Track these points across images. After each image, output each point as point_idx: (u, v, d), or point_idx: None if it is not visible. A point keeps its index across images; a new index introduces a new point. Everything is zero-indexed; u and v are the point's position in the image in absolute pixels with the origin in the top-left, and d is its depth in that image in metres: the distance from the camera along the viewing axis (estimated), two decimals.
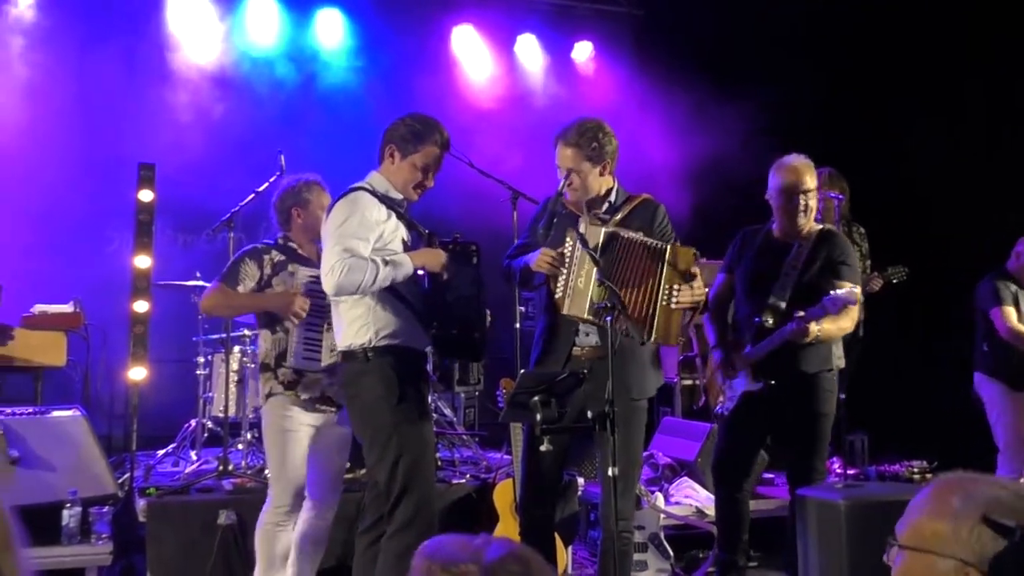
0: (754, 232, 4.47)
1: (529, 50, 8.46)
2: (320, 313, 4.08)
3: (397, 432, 3.49)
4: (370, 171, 3.76)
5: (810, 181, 4.24)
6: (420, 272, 3.56)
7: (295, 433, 4.07)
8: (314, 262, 4.21)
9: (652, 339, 3.58)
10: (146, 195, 5.34)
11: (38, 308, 5.77)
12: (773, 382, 4.20)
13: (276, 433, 4.09)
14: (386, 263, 3.46)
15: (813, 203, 4.28)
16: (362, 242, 3.47)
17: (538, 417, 3.22)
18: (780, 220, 4.33)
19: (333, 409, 4.15)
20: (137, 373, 5.26)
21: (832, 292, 3.96)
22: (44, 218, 6.59)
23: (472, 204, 6.26)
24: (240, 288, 4.15)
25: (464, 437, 6.48)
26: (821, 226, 4.43)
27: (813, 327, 4.01)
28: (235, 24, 7.63)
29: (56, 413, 5.09)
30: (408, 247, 3.67)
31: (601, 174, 3.80)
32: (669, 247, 3.60)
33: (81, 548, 4.47)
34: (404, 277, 3.51)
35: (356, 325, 3.56)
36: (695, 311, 3.67)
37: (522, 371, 3.33)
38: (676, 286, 3.55)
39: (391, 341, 3.55)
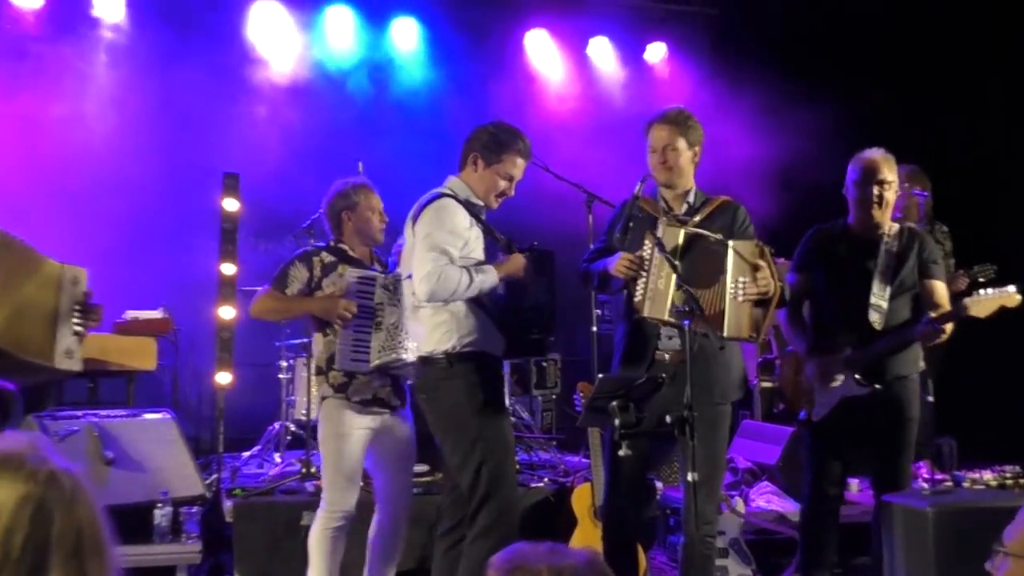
0: (827, 231, 4.34)
1: (602, 53, 8.44)
2: (368, 314, 4.06)
3: (481, 438, 3.52)
4: (448, 176, 3.80)
5: (888, 173, 4.12)
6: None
7: (349, 436, 4.04)
8: (365, 263, 4.25)
9: (725, 335, 3.56)
10: (231, 204, 5.49)
11: (130, 314, 5.96)
12: (878, 386, 4.04)
13: (330, 437, 4.07)
14: (476, 273, 3.49)
15: (890, 196, 4.14)
16: (453, 249, 3.51)
17: (616, 422, 3.22)
18: (856, 213, 4.20)
19: (387, 411, 4.13)
20: (223, 377, 5.41)
21: (983, 292, 3.87)
22: (134, 227, 6.79)
23: (547, 207, 6.28)
24: (288, 291, 4.14)
25: (542, 441, 6.51)
26: (903, 224, 4.33)
27: (949, 329, 3.91)
28: (313, 35, 7.78)
29: (147, 416, 5.25)
30: (486, 253, 3.70)
31: (691, 160, 3.83)
32: (732, 241, 3.60)
33: (172, 547, 4.60)
34: (490, 289, 3.55)
35: (440, 331, 3.59)
36: (768, 305, 3.62)
37: (600, 375, 3.33)
38: (742, 279, 3.54)
39: (473, 347, 3.58)
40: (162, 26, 7.14)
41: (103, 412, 5.07)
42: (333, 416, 4.06)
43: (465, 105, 7.45)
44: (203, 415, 7.03)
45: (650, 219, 3.76)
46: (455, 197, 3.63)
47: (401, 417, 4.20)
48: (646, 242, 3.66)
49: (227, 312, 5.45)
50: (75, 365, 3.25)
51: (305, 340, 5.75)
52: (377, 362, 4.02)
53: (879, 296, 4.07)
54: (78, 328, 3.25)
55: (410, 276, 3.60)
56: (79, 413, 4.97)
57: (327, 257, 4.19)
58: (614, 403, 3.23)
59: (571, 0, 8.24)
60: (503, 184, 3.71)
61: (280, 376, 6.14)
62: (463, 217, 3.59)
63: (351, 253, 4.24)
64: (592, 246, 4.18)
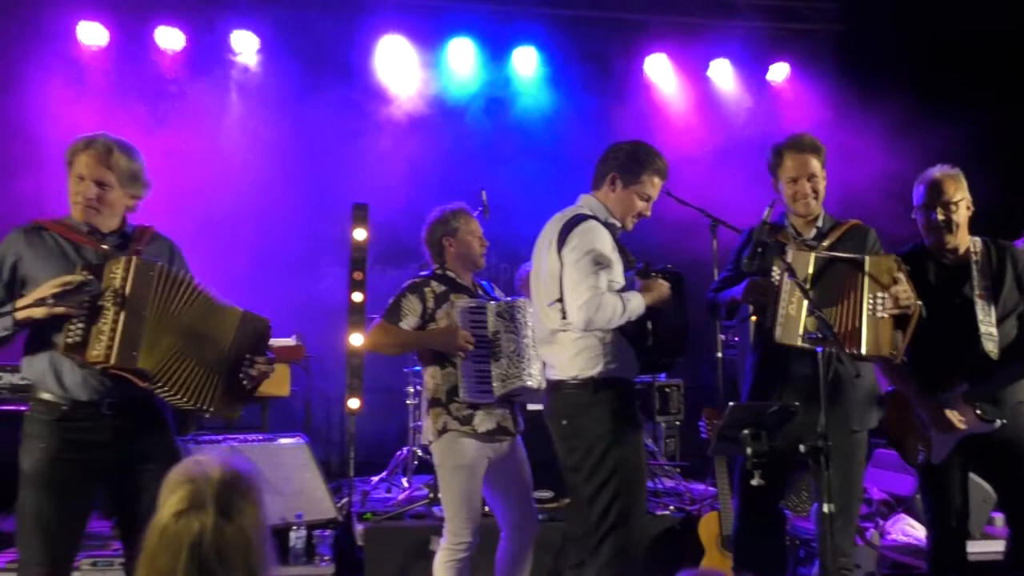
0: (910, 256, 3.90)
1: (723, 75, 8.35)
2: (485, 344, 4.04)
3: (618, 469, 3.43)
4: (580, 195, 3.73)
5: (954, 192, 3.79)
6: None
7: (471, 468, 4.01)
8: (471, 290, 4.24)
9: (864, 352, 3.46)
10: (360, 233, 5.65)
11: None
12: (1003, 421, 3.70)
13: (451, 470, 4.03)
14: (628, 300, 3.42)
15: (961, 216, 3.80)
16: (604, 275, 3.44)
17: (748, 451, 3.16)
18: (929, 239, 3.90)
19: (508, 438, 4.12)
20: (353, 403, 5.55)
21: None
22: (268, 256, 7.07)
23: (669, 232, 6.24)
24: (403, 324, 4.07)
25: (666, 468, 6.44)
26: (982, 238, 3.97)
27: None
28: (437, 67, 7.96)
29: (282, 440, 5.43)
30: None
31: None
32: (867, 257, 3.51)
33: (307, 568, 4.74)
34: (637, 316, 3.47)
35: (585, 356, 3.50)
36: (908, 323, 3.49)
37: (731, 404, 3.26)
38: (880, 294, 3.44)
39: (615, 373, 3.51)
40: (293, 63, 7.43)
41: (241, 436, 5.27)
42: (455, 449, 4.03)
43: (586, 131, 7.50)
44: (332, 439, 7.24)
45: (779, 245, 3.69)
46: (594, 217, 3.56)
47: (516, 442, 4.19)
48: (775, 269, 3.60)
49: (356, 339, 5.59)
50: (232, 413, 3.37)
51: None
52: (503, 391, 4.02)
53: (987, 323, 3.73)
54: (244, 378, 3.30)
55: (556, 302, 3.51)
56: (219, 438, 5.19)
57: (438, 287, 4.15)
58: (746, 431, 3.17)
59: (691, 24, 8.18)
60: (641, 205, 3.64)
61: (407, 402, 6.25)
62: (607, 239, 3.53)
63: (459, 281, 4.22)
64: (719, 275, 4.12)
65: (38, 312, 2.99)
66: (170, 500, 1.77)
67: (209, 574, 1.73)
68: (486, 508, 4.24)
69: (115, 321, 3.01)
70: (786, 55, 8.33)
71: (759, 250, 3.50)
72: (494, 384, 4.02)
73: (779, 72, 8.35)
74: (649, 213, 3.70)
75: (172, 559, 1.70)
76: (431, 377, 4.14)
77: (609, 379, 3.50)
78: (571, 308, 3.42)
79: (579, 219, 3.53)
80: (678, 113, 8.29)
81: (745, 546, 3.81)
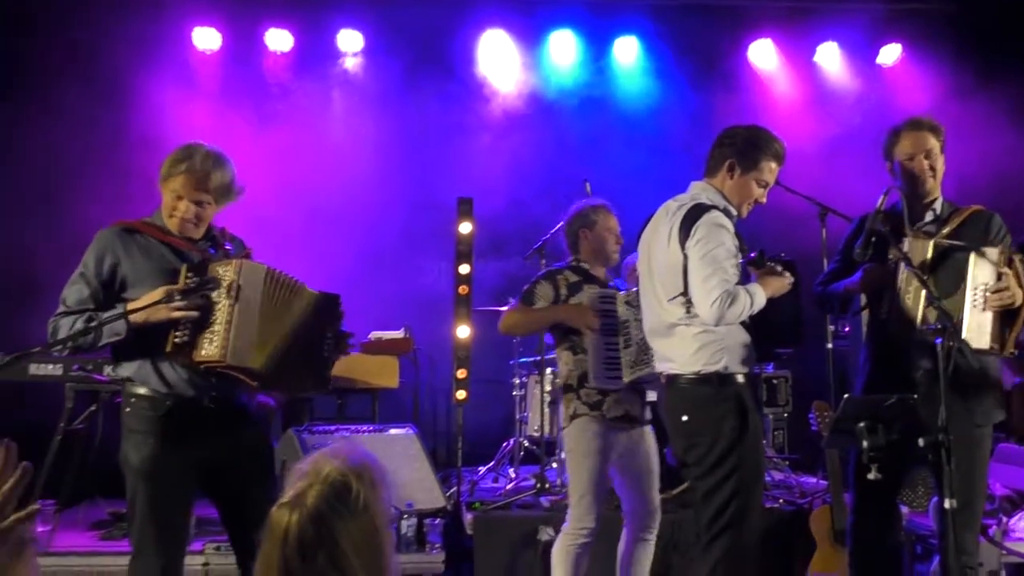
0: None
1: (831, 58, 8.10)
2: (613, 331, 4.13)
3: (739, 468, 3.36)
4: (691, 182, 3.65)
5: None
6: None
7: (599, 454, 4.09)
8: (604, 283, 4.32)
9: (971, 345, 3.36)
10: (465, 227, 5.73)
11: (374, 335, 6.32)
12: None
13: (579, 455, 4.12)
14: (753, 294, 3.35)
15: None
16: (732, 269, 3.37)
17: (864, 444, 3.09)
18: None
19: (636, 426, 4.20)
20: (461, 394, 5.63)
21: None
22: (374, 252, 7.21)
23: (777, 222, 6.13)
24: (535, 307, 4.28)
25: (775, 460, 6.34)
26: None
27: None
28: (538, 61, 7.98)
29: (392, 431, 5.55)
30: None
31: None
32: (976, 248, 3.39)
33: (418, 556, 4.83)
34: (759, 309, 3.40)
35: (708, 351, 3.42)
36: (1016, 317, 3.37)
37: (846, 396, 3.19)
38: (984, 286, 3.33)
39: (739, 367, 3.44)
40: (397, 61, 7.55)
41: (353, 427, 5.40)
42: (584, 434, 4.12)
43: (689, 121, 7.42)
44: (439, 430, 7.34)
45: (893, 233, 3.54)
46: (714, 206, 3.47)
47: (645, 432, 4.23)
48: (891, 257, 3.50)
49: (463, 331, 5.68)
50: (325, 388, 3.45)
51: (536, 358, 5.89)
52: (631, 377, 4.09)
53: None
54: (328, 354, 3.38)
55: (679, 296, 3.43)
56: (332, 428, 5.33)
57: (572, 276, 4.30)
58: (861, 425, 3.10)
59: (797, 7, 7.98)
60: (758, 191, 3.54)
61: (514, 393, 6.30)
62: (730, 230, 3.45)
63: (592, 272, 4.34)
64: (827, 266, 4.02)
65: (160, 314, 3.06)
66: (285, 490, 1.82)
67: (305, 566, 1.75)
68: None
69: (229, 321, 3.10)
70: (898, 36, 8.03)
71: (872, 239, 3.40)
72: (623, 371, 4.11)
73: (890, 54, 8.05)
74: (765, 200, 3.61)
75: (270, 546, 1.76)
76: (564, 364, 4.28)
77: (732, 374, 3.43)
78: (702, 304, 3.32)
79: (702, 209, 3.42)
80: (784, 100, 8.09)
81: (859, 541, 3.72)
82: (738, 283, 3.40)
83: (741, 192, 3.53)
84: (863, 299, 3.78)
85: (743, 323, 3.45)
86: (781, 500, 5.35)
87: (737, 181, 3.53)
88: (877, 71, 8.12)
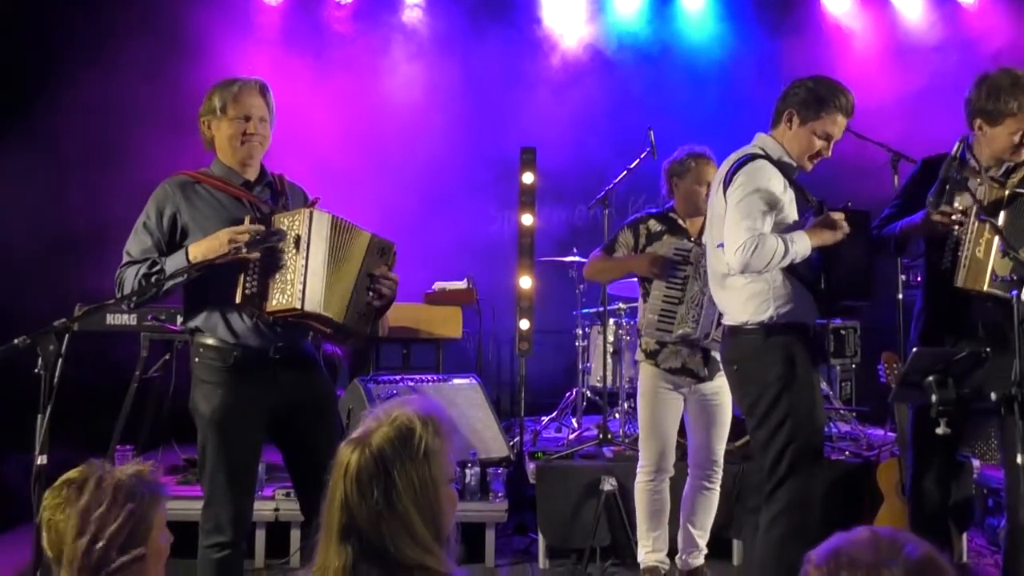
0: None
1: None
2: (678, 286, 4.14)
3: (792, 415, 3.35)
4: (757, 134, 3.61)
5: None
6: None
7: (659, 399, 4.21)
8: (690, 234, 4.28)
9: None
10: (528, 177, 5.69)
11: (437, 285, 6.36)
12: None
13: (643, 397, 4.27)
14: (791, 242, 3.29)
15: None
16: (768, 216, 3.34)
17: (934, 398, 3.02)
18: None
19: (694, 381, 4.20)
20: (524, 345, 5.65)
21: None
22: (439, 202, 7.25)
23: (846, 170, 5.97)
24: (616, 255, 4.37)
25: (842, 412, 6.26)
26: None
27: None
28: (602, 5, 7.85)
29: (456, 380, 5.61)
30: (798, 216, 3.52)
31: None
32: None
33: (481, 504, 4.90)
34: (803, 258, 3.34)
35: (756, 301, 3.43)
36: None
37: (915, 349, 3.12)
38: None
39: (789, 317, 3.41)
40: (459, 9, 7.51)
41: (417, 377, 5.47)
42: (646, 380, 4.27)
43: (758, 69, 7.25)
44: (503, 380, 7.40)
45: (959, 182, 3.39)
46: (768, 157, 3.44)
47: (716, 384, 4.21)
48: (957, 204, 3.39)
49: (526, 282, 5.68)
50: (363, 330, 3.38)
51: (599, 309, 5.87)
52: (678, 332, 4.13)
53: None
54: (371, 299, 3.35)
55: (721, 245, 3.45)
56: (396, 378, 5.40)
57: (655, 225, 4.33)
58: (931, 378, 3.03)
59: None
60: (819, 144, 3.46)
61: (576, 343, 6.30)
62: (778, 180, 3.40)
63: (680, 222, 4.32)
64: (884, 212, 3.91)
65: (224, 251, 3.06)
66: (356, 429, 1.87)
67: (363, 501, 1.79)
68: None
69: (302, 270, 3.13)
70: None
71: (945, 187, 3.29)
72: (675, 325, 4.16)
73: None
74: (829, 153, 3.51)
75: (335, 480, 1.82)
76: (641, 310, 4.36)
77: (781, 324, 3.41)
78: (728, 250, 3.33)
79: (747, 159, 3.41)
80: (858, 42, 7.84)
81: (921, 496, 3.66)
82: (791, 230, 3.36)
83: (800, 143, 3.46)
84: (923, 243, 3.69)
85: (799, 273, 3.41)
86: (847, 452, 5.29)
87: (796, 132, 3.46)
88: (956, 10, 7.79)
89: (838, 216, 3.36)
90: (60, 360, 2.54)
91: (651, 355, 4.25)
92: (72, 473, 1.97)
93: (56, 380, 2.52)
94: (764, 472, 3.47)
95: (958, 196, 3.36)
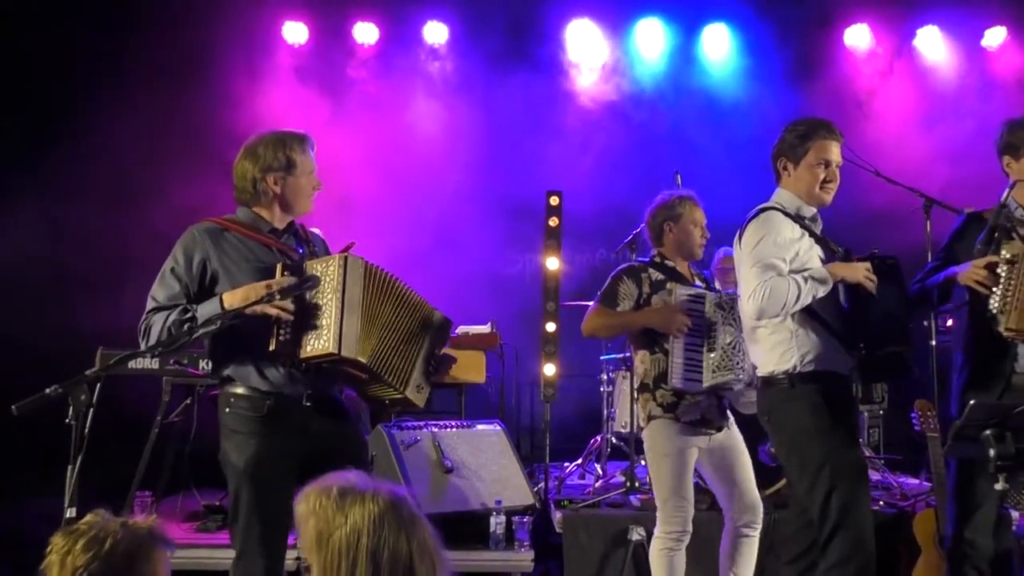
0: None
1: (931, 43, 7.77)
2: (699, 333, 4.03)
3: (828, 462, 3.33)
4: (776, 190, 3.65)
5: None
6: (840, 287, 3.40)
7: (677, 456, 4.01)
8: (688, 280, 4.22)
9: None
10: (553, 220, 5.65)
11: (461, 329, 6.28)
12: None
13: (659, 456, 4.07)
14: (805, 280, 3.32)
15: None
16: (779, 262, 3.37)
17: (992, 453, 2.93)
18: None
19: (713, 431, 4.08)
20: (548, 390, 5.56)
21: None
22: (460, 244, 7.21)
23: (878, 217, 5.92)
24: (620, 308, 4.15)
25: (872, 459, 6.13)
26: None
27: None
28: (625, 49, 7.86)
29: (480, 426, 5.50)
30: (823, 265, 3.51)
31: None
32: None
33: (507, 554, 4.78)
34: (825, 291, 3.35)
35: (779, 350, 3.45)
36: None
37: (972, 402, 3.03)
38: None
39: (816, 367, 3.40)
40: (482, 52, 7.54)
41: (441, 423, 5.38)
42: (661, 436, 4.06)
43: (782, 111, 7.18)
44: (522, 425, 7.30)
45: (1008, 230, 3.41)
46: (781, 209, 3.49)
47: (727, 431, 4.13)
48: (1004, 252, 3.35)
49: (551, 327, 5.60)
50: (420, 401, 3.43)
51: (626, 354, 5.79)
52: (711, 382, 3.98)
53: None
54: (430, 372, 3.42)
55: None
56: (420, 423, 5.31)
57: (655, 274, 4.19)
58: (988, 432, 2.94)
59: None
60: (821, 172, 3.49)
61: (601, 389, 6.21)
62: (789, 227, 3.44)
63: (676, 269, 4.23)
64: (927, 265, 3.87)
65: (261, 308, 3.04)
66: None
67: None
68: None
69: (339, 315, 3.09)
70: (1002, 18, 7.68)
71: (994, 234, 3.25)
72: (704, 374, 3.99)
73: (995, 37, 7.70)
74: (836, 177, 3.54)
75: None
76: (640, 362, 4.20)
77: (809, 373, 3.40)
78: (743, 299, 3.39)
79: (758, 212, 3.50)
80: (882, 86, 7.82)
81: (964, 550, 3.59)
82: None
83: (804, 181, 3.53)
84: (966, 293, 3.63)
85: (826, 323, 3.39)
86: (881, 502, 5.17)
87: (796, 174, 3.54)
88: (982, 55, 7.77)
89: (862, 264, 3.38)
90: (91, 410, 2.47)
91: (669, 408, 4.04)
92: (81, 523, 1.96)
93: (87, 430, 2.46)
94: (805, 523, 3.45)
95: (1005, 244, 3.32)
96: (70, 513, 2.40)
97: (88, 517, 1.97)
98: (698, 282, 4.31)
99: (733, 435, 4.15)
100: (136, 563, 1.91)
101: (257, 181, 3.29)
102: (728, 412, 4.20)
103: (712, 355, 3.98)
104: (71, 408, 2.45)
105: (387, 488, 1.87)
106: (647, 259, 4.30)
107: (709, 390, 4.00)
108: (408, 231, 7.05)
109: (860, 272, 3.37)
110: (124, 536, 1.92)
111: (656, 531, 4.10)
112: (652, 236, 4.29)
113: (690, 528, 4.04)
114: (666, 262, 4.24)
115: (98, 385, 2.51)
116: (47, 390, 2.42)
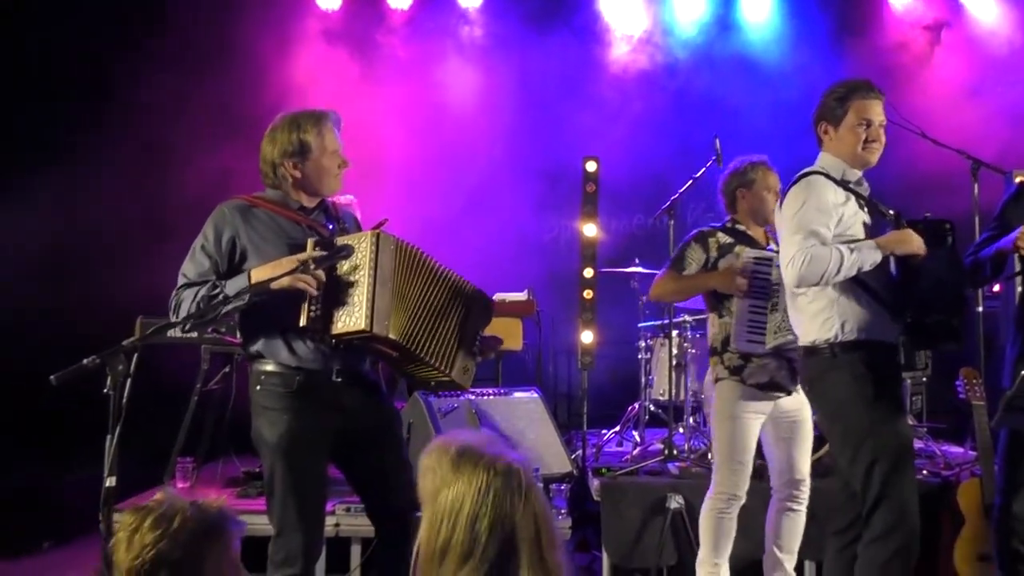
0: None
1: (981, 3, 7.53)
2: (763, 295, 4.01)
3: (871, 433, 3.27)
4: (819, 154, 3.56)
5: None
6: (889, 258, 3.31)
7: (741, 419, 4.01)
8: (761, 243, 4.18)
9: None
10: (590, 187, 5.59)
11: (498, 296, 6.23)
12: None
13: (723, 419, 4.07)
14: (851, 251, 3.24)
15: None
16: (822, 228, 3.30)
17: None
18: None
19: (781, 395, 4.05)
20: (586, 357, 5.53)
21: None
22: (495, 210, 7.16)
23: (924, 182, 5.79)
24: (686, 272, 4.19)
25: (916, 428, 6.04)
26: None
27: None
28: (662, 11, 7.73)
29: (518, 394, 5.49)
30: (870, 230, 3.43)
31: None
32: None
33: None
34: (872, 265, 3.27)
35: (819, 319, 3.39)
36: None
37: (1023, 373, 2.96)
38: None
39: (859, 335, 3.33)
40: (517, 17, 7.44)
41: (478, 390, 5.36)
42: (727, 398, 4.06)
43: (825, 73, 7.01)
44: (560, 392, 7.28)
45: None
46: (824, 174, 3.41)
47: (798, 399, 4.08)
48: None
49: (588, 293, 5.57)
50: (466, 383, 3.40)
51: (664, 321, 5.74)
52: (773, 343, 3.98)
53: None
54: (476, 353, 3.39)
55: None
56: (457, 392, 5.29)
57: (724, 238, 4.19)
58: None
59: None
60: (862, 132, 3.41)
61: (639, 356, 6.17)
62: (833, 192, 3.36)
63: (748, 232, 4.21)
64: (979, 235, 3.76)
65: (288, 282, 3.01)
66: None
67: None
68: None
69: (371, 292, 3.06)
70: None
71: None
72: (767, 336, 4.00)
73: None
74: (879, 136, 3.43)
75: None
76: (711, 325, 4.23)
77: (851, 342, 3.33)
78: (782, 266, 3.33)
79: (800, 177, 3.44)
80: (929, 48, 7.61)
81: (1009, 522, 3.52)
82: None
83: (846, 143, 3.45)
84: (1017, 264, 3.55)
85: (872, 290, 3.32)
86: (925, 471, 5.09)
87: (838, 136, 3.47)
88: None
89: (912, 232, 3.29)
90: (128, 381, 2.48)
91: (735, 371, 4.05)
92: (150, 501, 1.95)
93: (125, 400, 2.46)
94: (851, 494, 3.40)
95: None
96: (109, 483, 2.41)
97: (157, 495, 1.97)
98: (772, 246, 4.25)
99: (802, 405, 4.09)
100: (205, 542, 1.90)
101: (276, 166, 3.28)
102: (797, 379, 4.12)
103: (775, 315, 3.99)
104: (109, 378, 2.45)
105: (506, 457, 1.85)
106: (720, 224, 4.30)
107: (773, 351, 3.99)
108: (442, 197, 7.02)
109: (914, 244, 3.28)
110: (193, 515, 1.91)
111: (710, 491, 4.13)
112: (726, 203, 4.29)
113: (741, 494, 4.05)
114: (737, 226, 4.24)
115: (135, 355, 2.50)
116: (85, 361, 2.43)
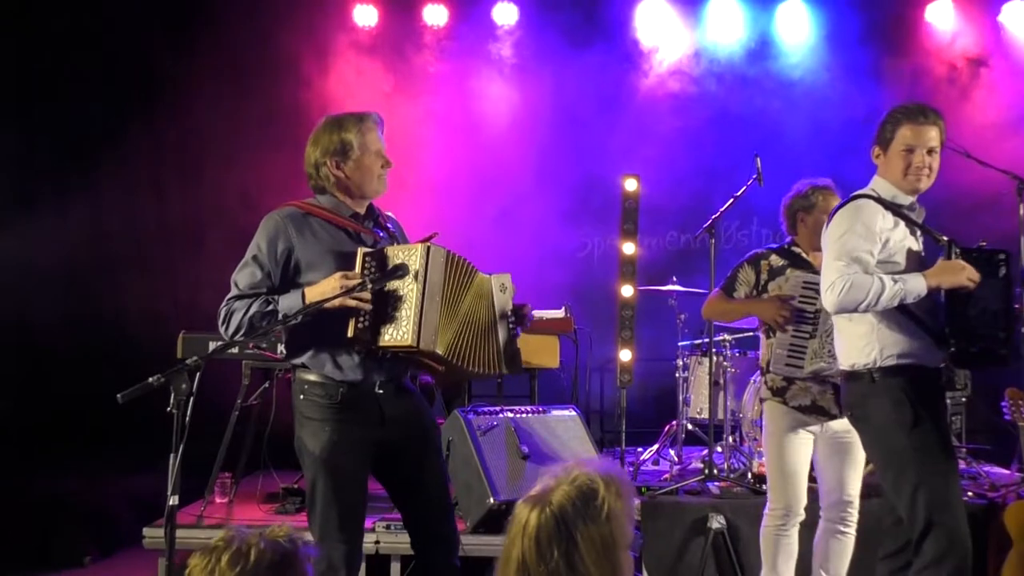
0: None
1: (1019, 18, 7.49)
2: (808, 319, 3.97)
3: (914, 459, 3.24)
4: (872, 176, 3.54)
5: None
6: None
7: (789, 439, 4.02)
8: (815, 267, 4.12)
9: None
10: (630, 204, 5.58)
11: (535, 313, 6.23)
12: None
13: (771, 437, 4.10)
14: (895, 281, 3.21)
15: None
16: (865, 254, 3.28)
17: None
18: None
19: (825, 419, 4.02)
20: (625, 376, 5.51)
21: None
22: (531, 225, 7.17)
23: (970, 202, 5.74)
24: (736, 294, 4.22)
25: (956, 449, 5.97)
26: None
27: None
28: (699, 26, 7.71)
29: (555, 412, 5.44)
30: (921, 257, 3.40)
31: None
32: None
33: None
34: (916, 298, 3.24)
35: (860, 343, 3.37)
36: None
37: None
38: None
39: (899, 360, 3.30)
40: (552, 34, 7.43)
41: (517, 408, 5.34)
42: (769, 417, 4.13)
43: (862, 91, 7.01)
44: (593, 409, 7.24)
45: None
46: (876, 197, 3.39)
47: (845, 422, 3.96)
48: None
49: (626, 311, 5.56)
50: (518, 369, 3.41)
51: (702, 340, 5.72)
52: (811, 368, 3.96)
53: None
54: (512, 331, 3.40)
55: None
56: (496, 409, 5.28)
57: (776, 260, 4.20)
58: None
59: None
60: (909, 159, 3.38)
61: (677, 375, 6.14)
62: (881, 218, 3.33)
63: (803, 256, 4.19)
64: None
65: (341, 302, 3.01)
66: (534, 488, 1.84)
67: (541, 562, 1.75)
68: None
69: (419, 306, 3.05)
70: None
71: None
72: (806, 360, 3.99)
73: None
74: (924, 162, 3.38)
75: (511, 539, 1.81)
76: (762, 345, 4.28)
77: (891, 367, 3.30)
78: (822, 289, 3.32)
79: (851, 198, 3.44)
80: (970, 62, 7.54)
81: None
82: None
83: (894, 168, 3.43)
84: None
85: (915, 316, 3.29)
86: (969, 492, 5.03)
87: (887, 161, 3.46)
88: None
89: (961, 264, 3.26)
90: (191, 399, 2.49)
91: (778, 392, 4.07)
92: (217, 539, 1.96)
93: (187, 419, 2.47)
94: (897, 519, 3.37)
95: None
96: (173, 501, 2.42)
97: (222, 533, 1.98)
98: None
99: (852, 427, 3.98)
100: (282, 571, 1.93)
101: (320, 167, 3.26)
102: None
103: (814, 341, 3.97)
104: (172, 396, 2.46)
105: (583, 480, 1.81)
106: (777, 246, 4.30)
107: (811, 376, 3.98)
108: (474, 212, 7.04)
109: (962, 276, 3.25)
110: (267, 547, 1.93)
111: (765, 509, 4.14)
112: (787, 225, 4.27)
113: (798, 509, 4.04)
114: (793, 249, 4.23)
115: (198, 374, 2.52)
116: (150, 379, 2.44)
